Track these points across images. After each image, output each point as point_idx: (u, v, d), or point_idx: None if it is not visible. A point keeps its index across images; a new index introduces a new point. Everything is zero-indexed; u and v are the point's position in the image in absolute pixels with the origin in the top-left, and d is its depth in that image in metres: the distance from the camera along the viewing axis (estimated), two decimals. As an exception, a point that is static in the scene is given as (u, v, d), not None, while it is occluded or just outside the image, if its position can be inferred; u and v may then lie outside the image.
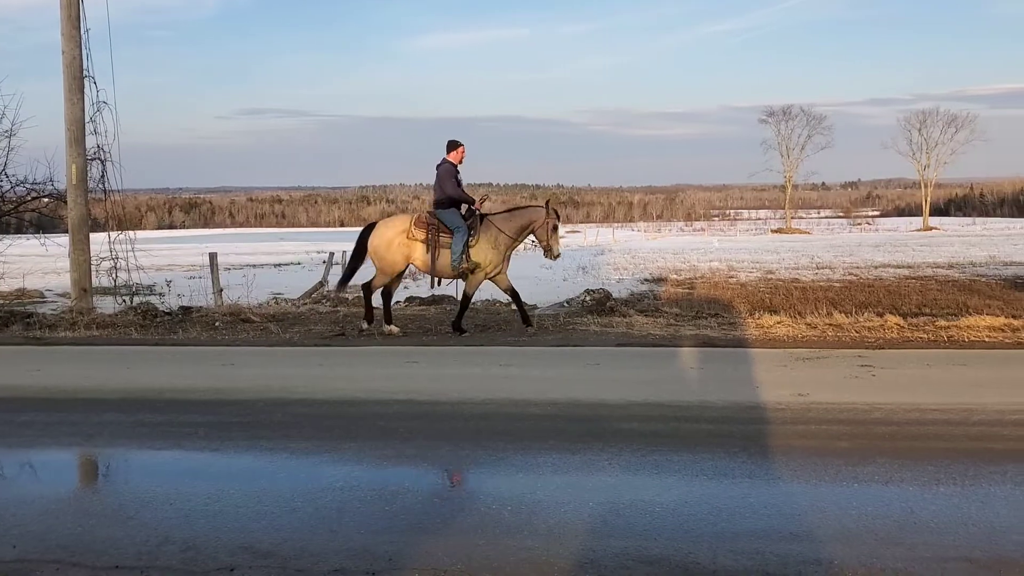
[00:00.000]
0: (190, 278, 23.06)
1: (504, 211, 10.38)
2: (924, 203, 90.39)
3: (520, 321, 10.42)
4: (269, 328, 10.74)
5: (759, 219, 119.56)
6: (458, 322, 10.29)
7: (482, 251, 10.05)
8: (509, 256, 10.36)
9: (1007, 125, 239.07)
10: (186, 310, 12.04)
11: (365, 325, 10.37)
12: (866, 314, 11.39)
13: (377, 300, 10.45)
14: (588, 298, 13.37)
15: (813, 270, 25.88)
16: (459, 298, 10.54)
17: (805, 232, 77.35)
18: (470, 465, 5.09)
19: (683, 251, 39.47)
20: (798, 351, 8.80)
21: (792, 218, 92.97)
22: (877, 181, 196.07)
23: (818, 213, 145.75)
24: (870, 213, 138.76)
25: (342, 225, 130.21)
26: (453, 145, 10.24)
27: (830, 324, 10.48)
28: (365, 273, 10.58)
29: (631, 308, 12.84)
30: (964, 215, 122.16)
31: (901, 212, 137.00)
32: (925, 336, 9.56)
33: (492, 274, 10.23)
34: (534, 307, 13.55)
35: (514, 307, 10.84)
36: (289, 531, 4.04)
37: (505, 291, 10.44)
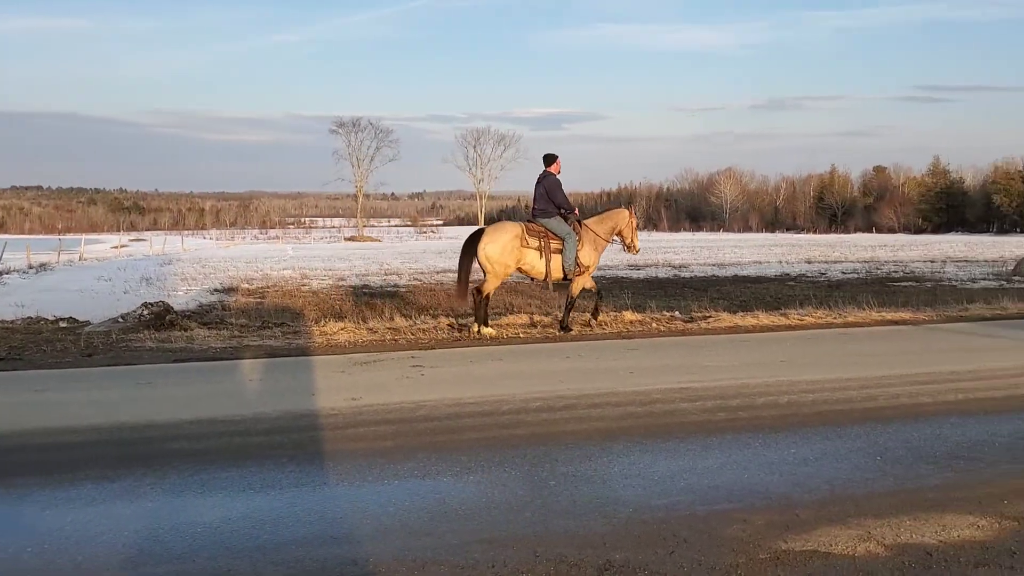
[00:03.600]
0: None
1: (596, 216, 11.35)
2: (480, 213, 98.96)
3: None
4: None
5: (334, 227, 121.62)
6: (566, 323, 10.96)
7: (587, 254, 10.89)
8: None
9: (545, 145, 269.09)
10: None
11: (480, 329, 10.62)
12: (423, 317, 12.16)
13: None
14: (146, 312, 12.59)
15: (382, 276, 26.87)
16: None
17: (376, 240, 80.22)
18: (-14, 507, 4.51)
19: (257, 259, 38.71)
20: (358, 355, 9.11)
21: (364, 226, 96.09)
22: (440, 192, 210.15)
23: (388, 222, 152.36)
24: (435, 222, 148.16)
25: None
26: (552, 158, 10.98)
27: (390, 328, 11.01)
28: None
29: (194, 321, 12.33)
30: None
31: (462, 221, 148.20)
32: (471, 335, 10.44)
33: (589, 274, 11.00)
34: (86, 323, 12.45)
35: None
36: None
37: (574, 295, 11.11)
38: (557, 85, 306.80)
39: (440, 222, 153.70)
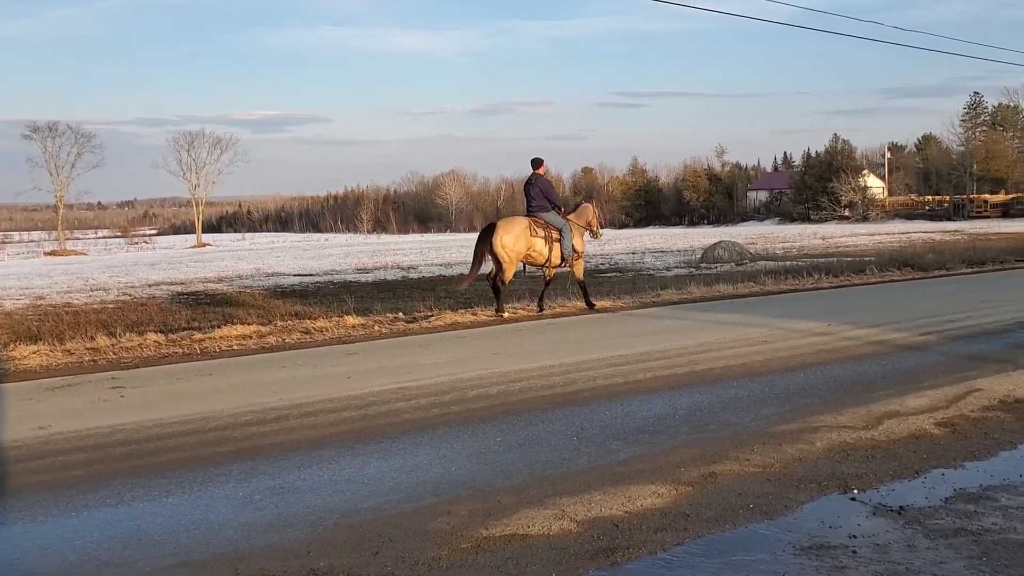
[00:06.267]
0: None
1: (573, 212, 13.13)
2: (197, 220, 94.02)
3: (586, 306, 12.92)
4: None
5: (32, 241, 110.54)
6: (589, 301, 12.96)
7: (579, 241, 12.70)
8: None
9: (267, 148, 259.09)
10: None
11: (504, 315, 12.28)
12: (128, 335, 11.37)
13: None
14: None
15: (87, 292, 24.81)
16: None
17: (82, 253, 73.95)
18: None
19: (-65, 281, 34.35)
20: (51, 380, 8.39)
21: (67, 239, 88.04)
22: (153, 200, 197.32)
23: (96, 233, 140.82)
24: (148, 232, 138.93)
25: None
26: (539, 162, 12.69)
27: (90, 348, 10.22)
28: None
29: None
30: (235, 231, 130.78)
31: (177, 230, 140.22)
32: (181, 350, 9.93)
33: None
34: None
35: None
36: None
37: (581, 277, 13.12)
38: (278, 87, 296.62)
39: (154, 231, 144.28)
